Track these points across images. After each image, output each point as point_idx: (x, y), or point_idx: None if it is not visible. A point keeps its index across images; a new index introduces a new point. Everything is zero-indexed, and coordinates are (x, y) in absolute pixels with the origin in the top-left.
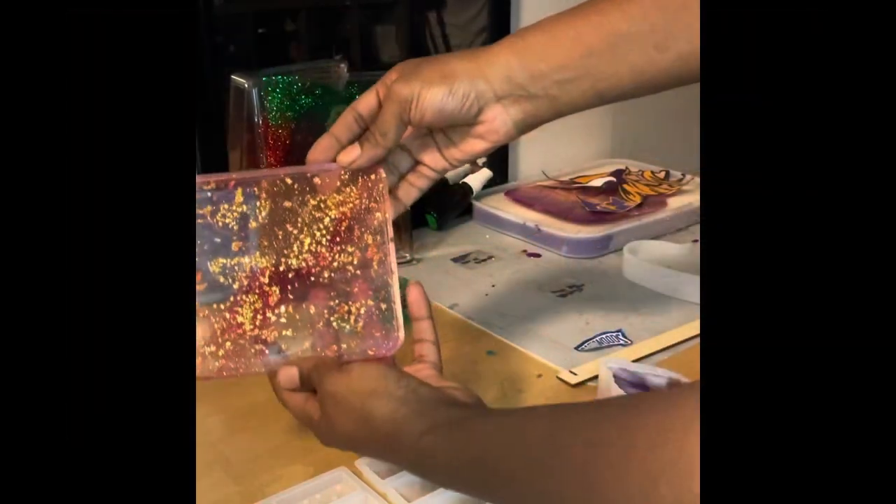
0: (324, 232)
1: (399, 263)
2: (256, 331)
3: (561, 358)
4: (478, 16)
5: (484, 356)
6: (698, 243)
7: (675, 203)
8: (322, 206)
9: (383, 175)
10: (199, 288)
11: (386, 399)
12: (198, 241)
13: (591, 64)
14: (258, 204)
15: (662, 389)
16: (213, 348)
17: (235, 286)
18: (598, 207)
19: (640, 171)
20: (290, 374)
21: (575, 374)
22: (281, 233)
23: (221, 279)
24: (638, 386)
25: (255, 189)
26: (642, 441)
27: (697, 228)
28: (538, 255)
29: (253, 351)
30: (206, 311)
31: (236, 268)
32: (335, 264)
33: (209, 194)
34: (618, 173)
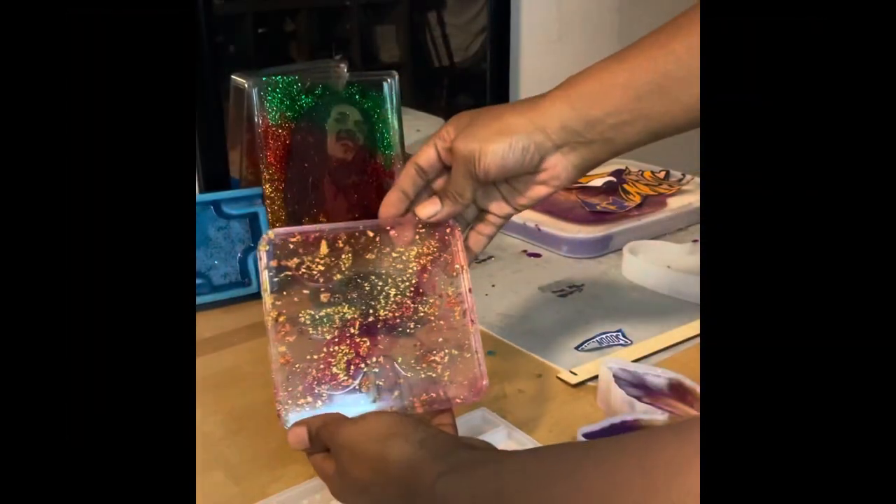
0: (407, 283)
1: None
2: (349, 381)
3: (561, 358)
4: (478, 16)
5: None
6: (698, 243)
7: (675, 203)
8: (402, 258)
9: (458, 228)
10: (289, 339)
11: (403, 440)
12: (287, 293)
13: (644, 107)
14: (342, 256)
15: (673, 425)
16: (307, 399)
17: (327, 337)
18: (598, 207)
19: (640, 171)
20: (298, 435)
21: (575, 374)
22: (367, 285)
23: (311, 330)
24: (638, 386)
25: (339, 242)
26: (660, 477)
27: (697, 228)
28: (538, 255)
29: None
30: (297, 362)
31: (325, 319)
32: (419, 315)
33: (293, 247)
34: (618, 173)
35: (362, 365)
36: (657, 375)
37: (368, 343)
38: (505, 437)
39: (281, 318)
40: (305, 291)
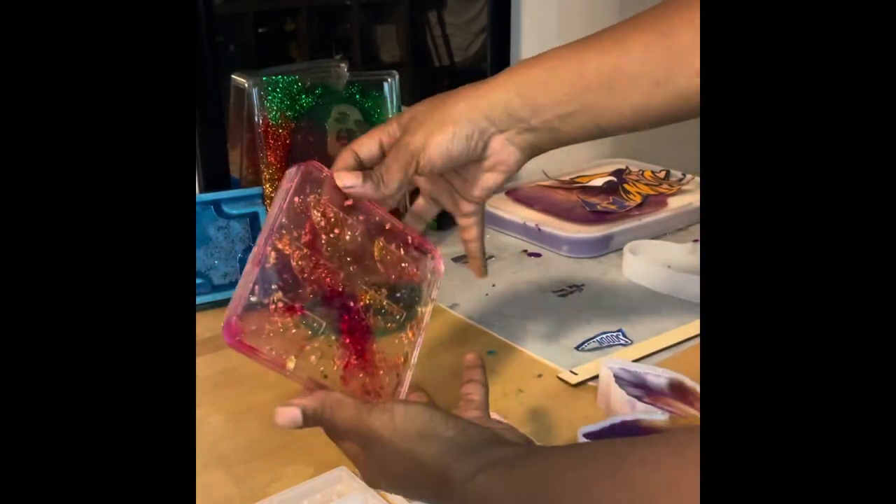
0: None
1: None
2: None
3: (561, 358)
4: (478, 16)
5: (484, 356)
6: (698, 243)
7: (675, 203)
8: (385, 289)
9: (441, 270)
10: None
11: (436, 441)
12: (282, 218)
13: (592, 100)
14: (354, 224)
15: None
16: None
17: (305, 275)
18: (599, 207)
19: (640, 171)
20: (289, 415)
21: (575, 374)
22: (357, 268)
23: (294, 263)
24: (638, 386)
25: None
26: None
27: (697, 228)
28: (538, 255)
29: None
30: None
31: (312, 266)
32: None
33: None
34: (618, 173)
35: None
36: (657, 375)
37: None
38: None
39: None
40: (293, 230)
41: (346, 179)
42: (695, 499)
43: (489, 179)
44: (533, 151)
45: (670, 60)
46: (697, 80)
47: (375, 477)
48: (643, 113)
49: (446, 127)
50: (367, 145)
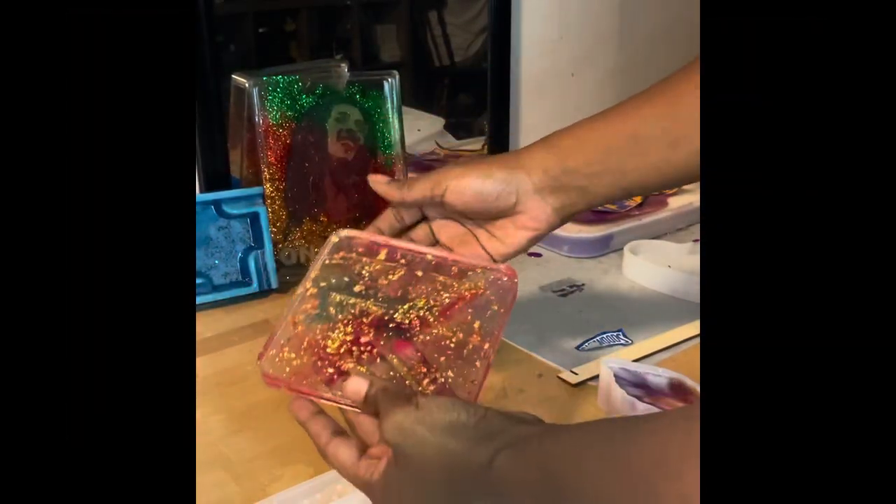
0: (437, 304)
1: None
2: (336, 357)
3: (561, 357)
4: (479, 16)
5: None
6: (698, 243)
7: (675, 203)
8: (448, 284)
9: (516, 283)
10: (310, 311)
11: (460, 430)
12: (330, 278)
13: (616, 160)
14: (395, 267)
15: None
16: (292, 355)
17: (339, 317)
18: (599, 207)
19: None
20: (358, 385)
21: (576, 374)
22: (401, 292)
23: (332, 310)
24: (639, 386)
25: (399, 254)
26: None
27: (697, 228)
28: (539, 255)
29: (325, 373)
30: (304, 326)
31: (350, 306)
32: (434, 332)
33: (359, 248)
34: None
35: (353, 348)
36: (658, 375)
37: (373, 335)
38: None
39: (311, 292)
40: (346, 279)
41: (377, 181)
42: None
43: (519, 237)
44: (565, 212)
45: (681, 123)
46: None
47: (397, 489)
48: (664, 171)
49: (483, 169)
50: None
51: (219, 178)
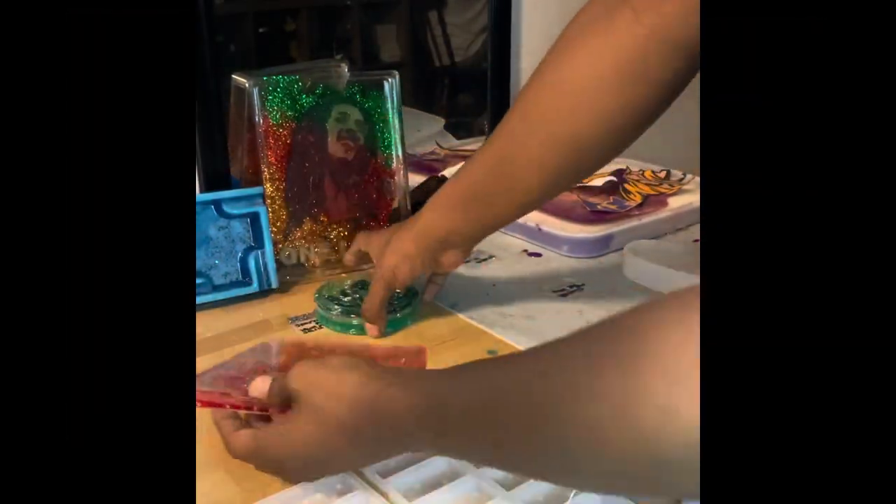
0: None
1: None
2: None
3: None
4: (478, 16)
5: (484, 356)
6: (698, 243)
7: (675, 203)
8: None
9: (426, 354)
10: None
11: (356, 368)
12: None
13: (469, 213)
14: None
15: (647, 305)
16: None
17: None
18: (599, 207)
19: (640, 171)
20: (262, 383)
21: None
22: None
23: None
24: None
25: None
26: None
27: (697, 228)
28: (539, 255)
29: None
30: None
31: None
32: None
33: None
34: (618, 173)
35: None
36: None
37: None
38: None
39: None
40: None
41: (371, 333)
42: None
43: (455, 263)
44: (474, 245)
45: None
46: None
47: (290, 439)
48: (504, 214)
49: (406, 261)
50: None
51: (219, 178)
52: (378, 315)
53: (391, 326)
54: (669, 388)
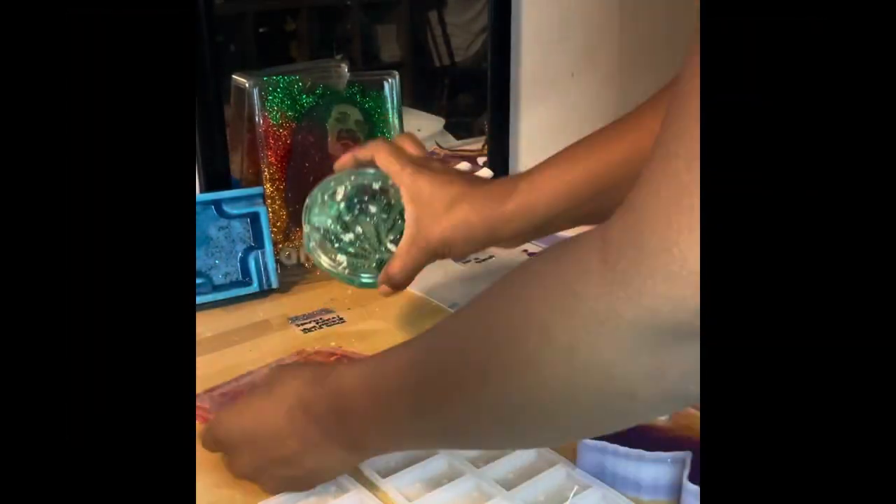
0: None
1: None
2: None
3: None
4: (478, 16)
5: None
6: None
7: None
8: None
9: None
10: None
11: (257, 395)
12: None
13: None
14: None
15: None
16: None
17: None
18: None
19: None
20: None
21: None
22: None
23: None
24: None
25: None
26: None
27: None
28: None
29: None
30: None
31: None
32: None
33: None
34: None
35: None
36: None
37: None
38: None
39: None
40: None
41: (385, 292)
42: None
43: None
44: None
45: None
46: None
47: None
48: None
49: (469, 242)
50: (364, 154)
51: (219, 178)
52: (406, 283)
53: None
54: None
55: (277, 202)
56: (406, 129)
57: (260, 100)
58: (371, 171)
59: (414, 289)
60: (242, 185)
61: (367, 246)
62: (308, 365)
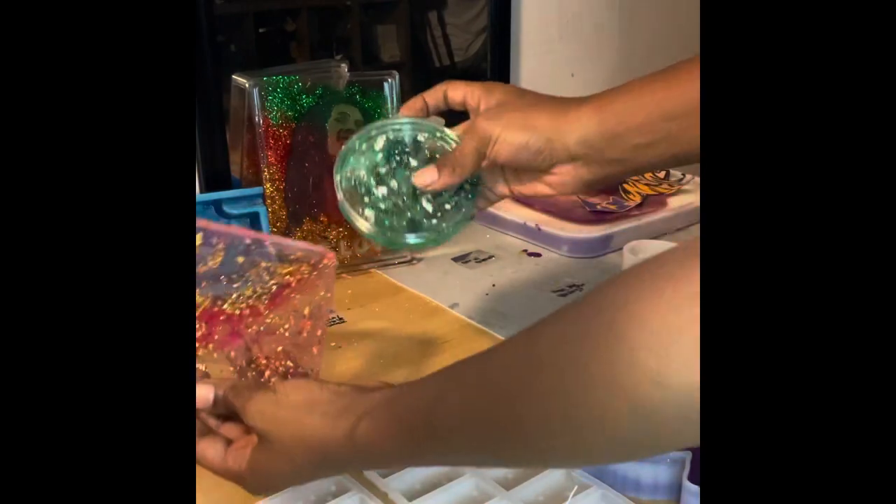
0: (265, 291)
1: (399, 263)
2: None
3: None
4: (478, 16)
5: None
6: None
7: (675, 203)
8: (272, 270)
9: (334, 262)
10: None
11: (316, 406)
12: None
13: (672, 127)
14: (212, 251)
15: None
16: None
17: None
18: (599, 207)
19: None
20: (205, 393)
21: None
22: (225, 279)
23: None
24: None
25: (214, 239)
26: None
27: (697, 228)
28: (538, 255)
29: None
30: None
31: None
32: (268, 321)
33: None
34: None
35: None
36: None
37: (205, 329)
38: None
39: None
40: None
41: (423, 179)
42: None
43: (541, 189)
44: (595, 183)
45: None
46: None
47: (267, 464)
48: None
49: (524, 132)
50: (433, 95)
51: (219, 178)
52: (469, 171)
53: (444, 232)
54: (659, 360)
55: (277, 202)
56: None
57: (260, 100)
58: (417, 120)
59: (414, 289)
60: (242, 185)
61: (399, 202)
62: (306, 426)
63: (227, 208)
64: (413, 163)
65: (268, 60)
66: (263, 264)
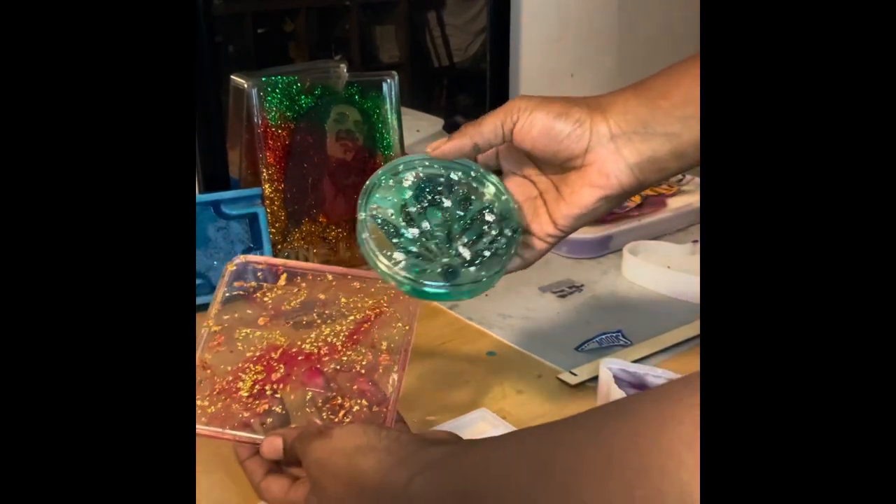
0: (344, 328)
1: None
2: (251, 400)
3: (561, 358)
4: (478, 16)
5: (484, 356)
6: (698, 243)
7: (674, 203)
8: (352, 305)
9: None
10: (218, 349)
11: (371, 452)
12: (233, 312)
13: None
14: (296, 290)
15: (640, 394)
16: (205, 403)
17: (248, 354)
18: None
19: None
20: (273, 444)
21: (575, 375)
22: (306, 319)
23: (239, 346)
24: (638, 386)
25: (299, 278)
26: (618, 447)
27: (697, 228)
28: None
29: (240, 417)
30: (212, 369)
31: (255, 339)
32: (344, 359)
33: (258, 273)
34: None
35: (267, 387)
36: (657, 376)
37: (283, 371)
38: None
39: (215, 329)
40: (249, 311)
41: (435, 142)
42: (640, 479)
43: (585, 196)
44: (644, 169)
45: None
46: None
47: None
48: None
49: (559, 105)
50: (488, 127)
51: (218, 179)
52: (484, 139)
53: (469, 291)
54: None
55: (276, 203)
56: (405, 129)
57: (258, 100)
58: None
59: None
60: (241, 186)
61: (432, 246)
62: (360, 472)
63: (225, 209)
64: (446, 203)
65: (266, 61)
66: (343, 300)
